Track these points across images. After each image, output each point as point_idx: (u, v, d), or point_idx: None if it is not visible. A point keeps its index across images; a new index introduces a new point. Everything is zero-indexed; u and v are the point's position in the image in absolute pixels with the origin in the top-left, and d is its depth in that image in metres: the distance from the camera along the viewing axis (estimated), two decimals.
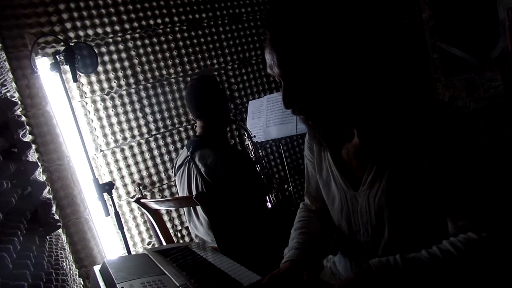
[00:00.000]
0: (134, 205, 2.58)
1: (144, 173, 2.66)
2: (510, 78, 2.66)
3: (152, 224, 1.91)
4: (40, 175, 1.88)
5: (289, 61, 0.78)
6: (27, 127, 2.02)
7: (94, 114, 2.51)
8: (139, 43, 2.67)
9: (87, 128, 2.48)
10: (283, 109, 2.61)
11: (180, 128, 2.83)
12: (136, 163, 2.63)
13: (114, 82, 2.57)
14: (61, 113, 2.30)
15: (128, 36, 2.63)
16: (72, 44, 2.18)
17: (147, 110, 2.70)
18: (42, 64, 2.25)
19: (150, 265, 1.09)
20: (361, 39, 0.79)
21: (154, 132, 2.72)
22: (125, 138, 2.60)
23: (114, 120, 2.57)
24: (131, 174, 2.61)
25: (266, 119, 2.73)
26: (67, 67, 2.00)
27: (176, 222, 2.75)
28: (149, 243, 2.62)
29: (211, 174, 1.70)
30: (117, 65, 2.59)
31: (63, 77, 2.02)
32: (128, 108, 2.62)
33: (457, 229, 0.81)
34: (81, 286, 2.09)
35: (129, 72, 2.63)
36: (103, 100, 2.54)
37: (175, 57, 2.82)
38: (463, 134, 0.79)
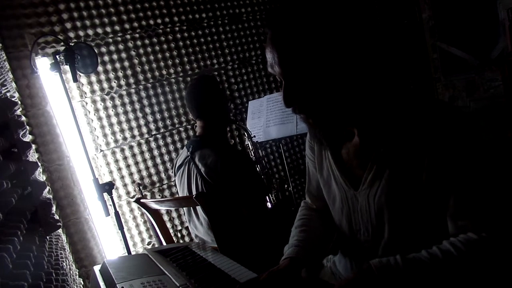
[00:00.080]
0: (134, 205, 2.58)
1: (144, 173, 2.66)
2: (510, 78, 2.66)
3: (152, 224, 1.91)
4: (40, 175, 1.88)
5: (290, 60, 0.78)
6: (27, 127, 2.02)
7: (94, 114, 2.51)
8: (139, 43, 2.67)
9: (87, 128, 2.48)
10: (283, 109, 2.62)
11: (180, 128, 2.83)
12: (136, 163, 2.63)
13: (114, 82, 2.57)
14: (61, 113, 2.30)
15: (128, 36, 2.63)
16: (72, 44, 2.18)
17: (147, 110, 2.70)
18: (42, 64, 2.25)
19: (150, 265, 1.09)
20: (361, 39, 0.79)
21: (154, 132, 2.72)
22: (125, 138, 2.60)
23: (114, 120, 2.57)
24: (131, 174, 2.61)
25: (266, 119, 2.73)
26: (67, 67, 2.00)
27: (176, 222, 2.75)
28: (149, 243, 2.62)
29: (211, 174, 1.70)
30: (117, 65, 2.59)
31: (63, 77, 2.02)
32: (128, 108, 2.62)
33: (457, 229, 0.81)
34: (81, 286, 2.09)
35: (129, 72, 2.63)
36: (103, 100, 2.54)
37: (175, 57, 2.82)
38: (463, 134, 0.79)
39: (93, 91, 2.50)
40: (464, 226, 0.80)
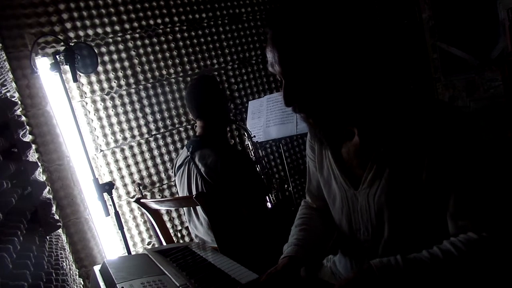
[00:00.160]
0: (134, 205, 2.57)
1: (144, 173, 2.66)
2: (510, 78, 2.66)
3: (152, 224, 1.91)
4: (40, 175, 1.88)
5: (290, 59, 0.78)
6: (27, 127, 2.02)
7: (94, 114, 2.51)
8: (139, 43, 2.67)
9: (87, 128, 2.48)
10: (283, 109, 2.62)
11: (180, 128, 2.83)
12: (136, 163, 2.63)
13: (114, 82, 2.57)
14: (61, 113, 2.30)
15: (128, 36, 2.63)
16: (72, 44, 2.18)
17: (147, 110, 2.70)
18: (42, 64, 2.25)
19: (150, 265, 1.09)
20: (362, 39, 0.79)
21: (154, 132, 2.72)
22: (125, 138, 2.60)
23: (114, 120, 2.57)
24: (131, 174, 2.61)
25: (266, 119, 2.73)
26: (67, 67, 2.00)
27: (176, 222, 2.75)
28: (149, 243, 2.62)
29: (211, 174, 1.70)
30: (117, 65, 2.59)
31: (63, 77, 2.02)
32: (128, 108, 2.62)
33: (458, 229, 0.81)
34: (81, 286, 2.09)
35: (129, 72, 2.63)
36: (103, 100, 2.54)
37: (175, 57, 2.82)
38: (463, 134, 0.79)
39: (93, 91, 2.50)
40: (464, 226, 0.80)
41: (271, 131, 2.68)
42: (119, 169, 2.57)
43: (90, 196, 2.32)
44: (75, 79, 2.02)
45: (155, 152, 2.71)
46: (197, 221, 1.84)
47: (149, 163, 2.68)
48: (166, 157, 2.74)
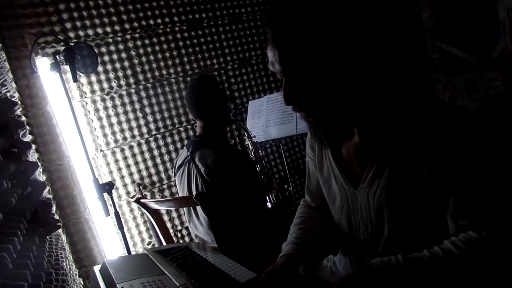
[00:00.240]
0: (134, 205, 2.57)
1: (144, 173, 2.66)
2: (510, 78, 2.66)
3: (152, 224, 1.91)
4: (40, 175, 1.88)
5: (290, 58, 0.79)
6: (27, 127, 2.01)
7: (94, 114, 2.51)
8: (139, 43, 2.67)
9: (87, 128, 2.48)
10: (283, 109, 2.62)
11: (180, 128, 2.83)
12: (136, 163, 2.63)
13: (114, 82, 2.57)
14: (61, 113, 2.30)
15: (128, 36, 2.63)
16: (72, 44, 2.18)
17: (147, 110, 2.70)
18: (42, 64, 2.25)
19: (150, 265, 1.09)
20: (362, 38, 0.79)
21: (154, 132, 2.72)
22: (125, 138, 2.60)
23: (114, 120, 2.57)
24: (131, 174, 2.61)
25: (266, 119, 2.73)
26: (67, 67, 2.00)
27: (176, 222, 2.75)
28: (149, 243, 2.62)
29: (211, 174, 1.70)
30: (117, 65, 2.59)
31: (63, 77, 2.02)
32: (128, 108, 2.62)
33: (458, 228, 0.81)
34: (81, 286, 2.09)
35: (129, 72, 2.63)
36: (103, 100, 2.54)
37: (175, 57, 2.82)
38: (463, 133, 0.80)
39: (93, 91, 2.50)
40: (465, 225, 0.80)
41: (271, 131, 2.68)
42: (119, 169, 2.57)
43: (90, 196, 2.32)
44: (75, 79, 2.02)
45: (155, 152, 2.71)
46: (197, 221, 1.84)
47: (149, 163, 2.68)
48: (166, 157, 2.74)
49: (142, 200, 1.84)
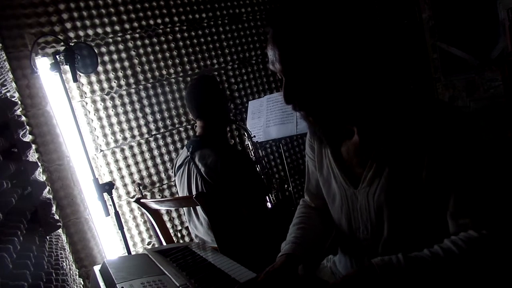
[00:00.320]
0: (134, 205, 2.57)
1: (144, 173, 2.66)
2: (510, 78, 2.66)
3: (152, 224, 1.91)
4: (40, 175, 1.88)
5: (291, 57, 0.79)
6: (27, 127, 2.01)
7: (94, 114, 2.51)
8: (139, 43, 2.67)
9: (87, 128, 2.48)
10: (283, 109, 2.62)
11: (180, 128, 2.83)
12: (136, 163, 2.63)
13: (114, 82, 2.57)
14: (61, 113, 2.30)
15: (128, 36, 2.63)
16: (72, 44, 2.18)
17: (147, 110, 2.70)
18: (42, 64, 2.25)
19: (150, 265, 1.09)
20: (362, 38, 0.79)
21: (154, 132, 2.72)
22: (125, 138, 2.60)
23: (114, 120, 2.57)
24: (131, 174, 2.61)
25: (266, 119, 2.73)
26: (67, 67, 2.00)
27: (176, 222, 2.75)
28: (149, 243, 2.62)
29: (211, 174, 1.70)
30: (117, 65, 2.59)
31: (63, 77, 2.02)
32: (128, 108, 2.62)
33: (458, 228, 0.81)
34: (81, 286, 2.09)
35: (129, 72, 2.63)
36: (103, 100, 2.54)
37: (175, 57, 2.82)
38: (463, 132, 0.80)
39: (93, 91, 2.50)
40: (465, 224, 0.80)
41: (271, 131, 2.68)
42: (119, 169, 2.57)
43: (90, 196, 2.32)
44: (75, 79, 2.02)
45: (155, 152, 2.71)
46: (197, 221, 1.84)
47: (149, 163, 2.68)
48: (166, 157, 2.74)
49: (142, 200, 1.84)
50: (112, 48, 2.57)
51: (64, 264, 1.39)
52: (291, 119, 2.57)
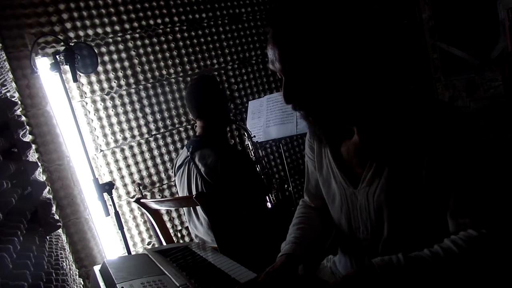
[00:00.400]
0: (134, 205, 2.57)
1: (144, 173, 2.66)
2: (510, 78, 2.66)
3: (152, 224, 1.91)
4: (40, 175, 1.88)
5: (290, 57, 0.79)
6: (27, 127, 2.01)
7: (94, 114, 2.51)
8: (139, 43, 2.67)
9: (87, 128, 2.48)
10: (283, 109, 2.62)
11: (180, 128, 2.83)
12: (136, 163, 2.63)
13: (114, 82, 2.57)
14: (61, 113, 2.30)
15: (128, 36, 2.63)
16: (72, 44, 2.18)
17: (147, 110, 2.70)
18: (42, 64, 2.25)
19: (150, 265, 1.09)
20: (362, 38, 0.79)
21: (154, 132, 2.72)
22: (125, 138, 2.60)
23: (114, 120, 2.57)
24: (131, 174, 2.61)
25: (266, 119, 2.73)
26: (67, 67, 2.00)
27: (176, 222, 2.75)
28: (149, 243, 2.62)
29: (211, 174, 1.70)
30: (117, 65, 2.59)
31: (63, 77, 2.02)
32: (128, 108, 2.62)
33: (458, 227, 0.82)
34: (81, 286, 2.09)
35: (129, 72, 2.63)
36: (103, 100, 2.54)
37: (175, 57, 2.82)
38: (463, 131, 0.80)
39: (93, 91, 2.50)
40: (464, 223, 0.80)
41: (271, 131, 2.68)
42: (119, 169, 2.57)
43: (90, 196, 2.32)
44: (75, 79, 2.02)
45: (155, 152, 2.71)
46: (197, 221, 1.84)
47: (149, 163, 2.68)
48: (166, 157, 2.74)
49: (142, 200, 1.84)
50: (112, 48, 2.57)
51: (64, 264, 1.39)
52: (291, 119, 2.57)
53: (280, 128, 2.64)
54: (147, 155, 2.67)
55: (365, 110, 0.87)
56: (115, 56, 2.58)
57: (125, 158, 2.59)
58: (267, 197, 2.33)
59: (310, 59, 0.77)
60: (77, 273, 2.08)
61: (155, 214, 1.88)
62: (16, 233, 0.87)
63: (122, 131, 2.59)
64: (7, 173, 0.97)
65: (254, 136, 2.55)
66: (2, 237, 0.83)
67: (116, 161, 2.56)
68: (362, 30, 0.80)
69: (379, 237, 0.93)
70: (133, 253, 2.39)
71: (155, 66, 2.73)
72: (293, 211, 1.20)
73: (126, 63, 2.62)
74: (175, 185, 2.49)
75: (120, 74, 2.59)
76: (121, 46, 2.60)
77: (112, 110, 2.56)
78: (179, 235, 2.76)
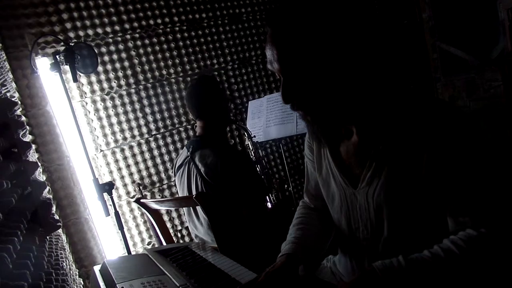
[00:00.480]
0: (134, 205, 2.57)
1: (144, 173, 2.66)
2: (510, 78, 2.66)
3: (152, 224, 1.91)
4: (40, 175, 1.88)
5: (289, 57, 0.79)
6: (27, 127, 2.01)
7: (94, 114, 2.51)
8: (139, 43, 2.67)
9: (87, 128, 2.48)
10: (283, 109, 2.62)
11: (180, 128, 2.83)
12: (136, 163, 2.63)
13: (114, 82, 2.57)
14: (61, 113, 2.30)
15: (128, 36, 2.63)
16: (72, 44, 2.18)
17: (147, 110, 2.70)
18: (42, 64, 2.25)
19: (150, 265, 1.09)
20: (360, 38, 0.79)
21: (154, 132, 2.72)
22: (125, 138, 2.60)
23: (114, 120, 2.57)
24: (131, 174, 2.61)
25: (266, 119, 2.73)
26: (67, 67, 2.00)
27: (176, 222, 2.75)
28: (149, 243, 2.62)
29: (211, 174, 1.70)
30: (117, 65, 2.59)
31: (63, 77, 2.02)
32: (128, 108, 2.62)
33: (458, 226, 0.82)
34: (81, 286, 2.09)
35: (129, 72, 2.63)
36: (103, 100, 2.54)
37: (175, 57, 2.82)
38: (462, 130, 0.80)
39: (93, 91, 2.50)
40: (464, 222, 0.80)
41: (271, 131, 2.68)
42: (119, 169, 2.57)
43: (90, 196, 2.32)
44: (75, 79, 2.02)
45: (155, 152, 2.71)
46: (197, 221, 1.84)
47: (149, 163, 2.68)
48: (166, 157, 2.74)
49: (142, 200, 1.84)
50: (112, 48, 2.57)
51: (64, 264, 1.39)
52: (291, 119, 2.57)
53: (280, 128, 2.64)
54: (147, 155, 2.67)
55: (364, 109, 0.87)
56: (115, 56, 2.58)
57: (125, 158, 2.59)
58: (267, 197, 2.33)
59: (308, 59, 0.77)
60: (77, 273, 2.08)
61: (155, 214, 1.88)
62: (16, 233, 0.87)
63: (122, 131, 2.59)
64: (7, 173, 0.97)
65: (254, 136, 2.55)
66: (2, 237, 0.82)
67: (116, 161, 2.56)
68: (360, 30, 0.80)
69: (379, 237, 0.93)
70: (133, 253, 2.39)
71: (155, 66, 2.73)
72: (293, 211, 1.20)
73: (126, 63, 2.62)
74: (175, 185, 2.49)
75: (120, 74, 2.59)
76: (121, 46, 2.60)
77: (112, 110, 2.56)
78: (179, 235, 2.76)
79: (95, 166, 2.44)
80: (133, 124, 2.63)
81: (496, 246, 0.77)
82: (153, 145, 2.70)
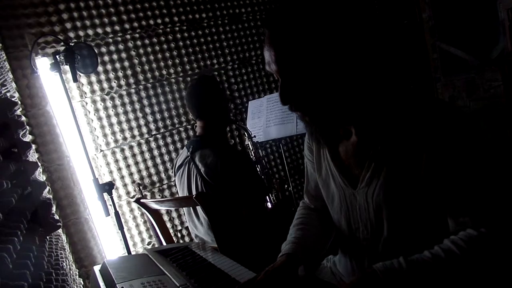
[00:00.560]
0: (134, 205, 2.57)
1: (144, 173, 2.66)
2: (510, 78, 2.66)
3: (152, 224, 1.91)
4: (40, 175, 1.88)
5: (286, 58, 0.79)
6: (27, 127, 2.01)
7: (94, 114, 2.51)
8: (139, 43, 2.67)
9: (87, 128, 2.48)
10: (283, 109, 2.62)
11: (180, 128, 2.83)
12: (136, 163, 2.63)
13: (114, 82, 2.57)
14: (61, 113, 2.30)
15: (128, 36, 2.63)
16: (72, 44, 2.18)
17: (147, 110, 2.70)
18: (42, 64, 2.25)
19: (150, 265, 1.09)
20: (359, 38, 0.79)
21: (154, 132, 2.72)
22: (125, 138, 2.60)
23: (114, 120, 2.57)
24: (131, 174, 2.61)
25: (266, 119, 2.73)
26: (67, 67, 2.00)
27: (176, 222, 2.75)
28: (149, 243, 2.62)
29: (211, 174, 1.70)
30: (117, 65, 2.59)
31: (63, 77, 2.02)
32: (128, 108, 2.62)
33: (458, 226, 0.82)
34: (81, 286, 2.09)
35: (129, 72, 2.63)
36: (103, 100, 2.54)
37: (175, 57, 2.82)
38: (462, 130, 0.80)
39: (93, 91, 2.50)
40: (464, 222, 0.80)
41: (271, 131, 2.68)
42: (119, 169, 2.57)
43: (90, 196, 2.32)
44: (75, 79, 2.02)
45: (155, 152, 2.71)
46: (197, 221, 1.84)
47: (149, 163, 2.68)
48: (166, 157, 2.74)
49: (142, 200, 1.84)
50: (112, 48, 2.57)
51: (64, 264, 1.39)
52: (291, 119, 2.57)
53: (280, 128, 2.64)
54: (147, 155, 2.67)
55: (363, 110, 0.87)
56: (115, 56, 2.58)
57: (125, 158, 2.59)
58: (267, 197, 2.33)
59: (306, 61, 0.77)
60: (77, 273, 2.08)
61: (155, 214, 1.88)
62: (16, 233, 0.87)
63: (122, 131, 2.59)
64: (7, 173, 0.97)
65: (254, 136, 2.55)
66: (2, 237, 0.82)
67: (116, 161, 2.56)
68: (358, 31, 0.80)
69: (379, 237, 0.93)
70: (133, 253, 2.39)
71: (155, 66, 2.73)
72: (293, 211, 1.20)
73: (126, 63, 2.62)
74: (175, 185, 2.49)
75: (120, 74, 2.59)
76: (121, 46, 2.60)
77: (112, 110, 2.56)
78: (179, 235, 2.76)
79: (95, 166, 2.44)
80: (133, 124, 2.63)
81: (497, 246, 0.77)
82: (153, 145, 2.70)
